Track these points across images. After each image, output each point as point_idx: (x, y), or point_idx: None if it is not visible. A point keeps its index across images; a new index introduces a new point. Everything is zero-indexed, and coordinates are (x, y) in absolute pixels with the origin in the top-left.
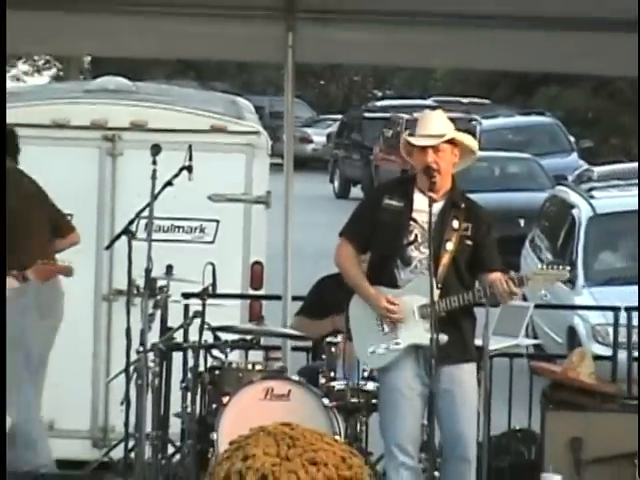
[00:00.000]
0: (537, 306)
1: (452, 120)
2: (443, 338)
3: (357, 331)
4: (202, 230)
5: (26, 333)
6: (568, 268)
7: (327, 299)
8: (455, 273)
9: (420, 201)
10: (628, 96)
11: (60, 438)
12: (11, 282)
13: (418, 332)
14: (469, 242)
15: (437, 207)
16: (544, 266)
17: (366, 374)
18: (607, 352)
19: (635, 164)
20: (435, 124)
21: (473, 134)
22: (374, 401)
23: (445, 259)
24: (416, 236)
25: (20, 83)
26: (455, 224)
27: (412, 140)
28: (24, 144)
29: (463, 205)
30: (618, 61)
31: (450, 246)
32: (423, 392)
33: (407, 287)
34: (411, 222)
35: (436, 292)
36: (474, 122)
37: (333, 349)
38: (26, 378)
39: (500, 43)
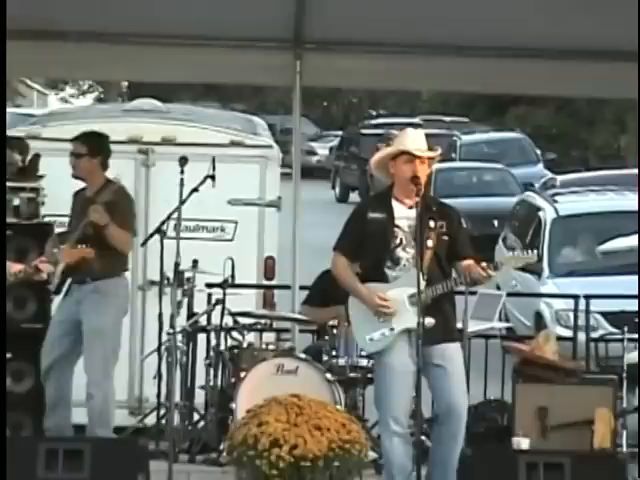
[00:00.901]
0: (509, 294)
1: (436, 136)
2: (430, 321)
3: (356, 320)
4: (222, 230)
5: (118, 328)
6: (535, 252)
7: (328, 289)
8: (437, 265)
9: (399, 209)
10: (586, 115)
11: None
12: (46, 266)
13: (409, 318)
14: (445, 237)
15: (415, 211)
16: (514, 252)
17: (363, 353)
18: (568, 334)
19: (592, 173)
20: (422, 141)
21: (454, 147)
22: (369, 376)
23: (428, 254)
24: (401, 240)
25: (67, 104)
26: (432, 224)
27: (412, 150)
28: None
29: (435, 207)
30: (578, 84)
31: (430, 243)
32: (414, 370)
33: (396, 281)
34: (395, 229)
35: (422, 283)
36: (455, 137)
37: (335, 331)
38: (112, 364)
39: (477, 70)
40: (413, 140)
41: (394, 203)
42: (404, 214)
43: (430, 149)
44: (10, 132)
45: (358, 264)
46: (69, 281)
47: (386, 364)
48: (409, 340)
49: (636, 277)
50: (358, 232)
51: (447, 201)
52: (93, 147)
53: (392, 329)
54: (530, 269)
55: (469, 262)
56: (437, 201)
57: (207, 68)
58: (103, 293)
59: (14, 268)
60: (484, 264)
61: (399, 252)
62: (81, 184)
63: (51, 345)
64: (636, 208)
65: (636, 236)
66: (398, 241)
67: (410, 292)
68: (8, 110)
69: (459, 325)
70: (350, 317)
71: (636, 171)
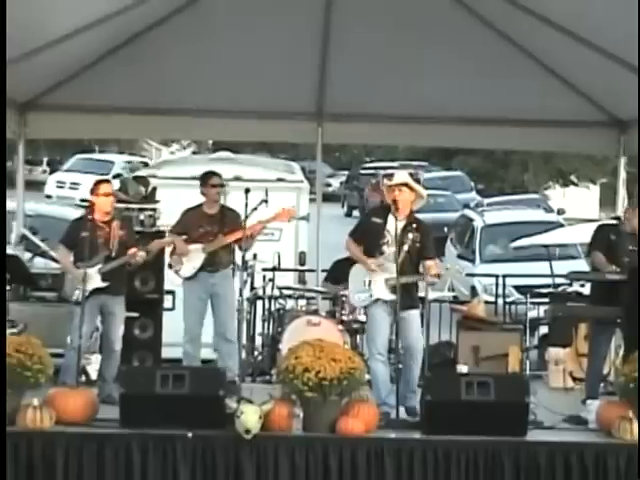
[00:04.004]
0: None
1: (410, 174)
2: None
3: (352, 286)
4: (272, 234)
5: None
6: (458, 267)
7: (339, 272)
8: (409, 262)
9: (391, 221)
10: (502, 160)
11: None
12: (142, 255)
13: (383, 291)
14: (418, 245)
15: (401, 224)
16: (449, 265)
17: (361, 311)
18: (492, 299)
19: (506, 197)
20: (399, 177)
21: (418, 181)
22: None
23: (402, 254)
24: (388, 240)
25: (173, 155)
26: (410, 235)
27: (389, 183)
28: (175, 187)
29: (415, 224)
30: (497, 141)
31: (406, 247)
32: (389, 319)
33: (380, 268)
34: (385, 232)
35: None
36: (419, 175)
37: (343, 299)
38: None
39: (434, 133)
40: (396, 177)
41: (389, 216)
42: (394, 224)
43: (417, 182)
44: (138, 173)
45: (361, 249)
46: (195, 269)
47: (372, 315)
48: (386, 303)
49: (536, 263)
50: (363, 229)
51: (417, 215)
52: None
53: (371, 295)
54: (467, 258)
55: (431, 263)
56: (417, 219)
57: (261, 132)
58: (228, 278)
59: (131, 251)
60: (436, 271)
61: (385, 248)
62: (191, 203)
63: (194, 310)
64: (534, 219)
65: (536, 236)
66: (385, 240)
67: (387, 277)
68: (136, 159)
69: (422, 294)
70: (349, 283)
71: (534, 196)
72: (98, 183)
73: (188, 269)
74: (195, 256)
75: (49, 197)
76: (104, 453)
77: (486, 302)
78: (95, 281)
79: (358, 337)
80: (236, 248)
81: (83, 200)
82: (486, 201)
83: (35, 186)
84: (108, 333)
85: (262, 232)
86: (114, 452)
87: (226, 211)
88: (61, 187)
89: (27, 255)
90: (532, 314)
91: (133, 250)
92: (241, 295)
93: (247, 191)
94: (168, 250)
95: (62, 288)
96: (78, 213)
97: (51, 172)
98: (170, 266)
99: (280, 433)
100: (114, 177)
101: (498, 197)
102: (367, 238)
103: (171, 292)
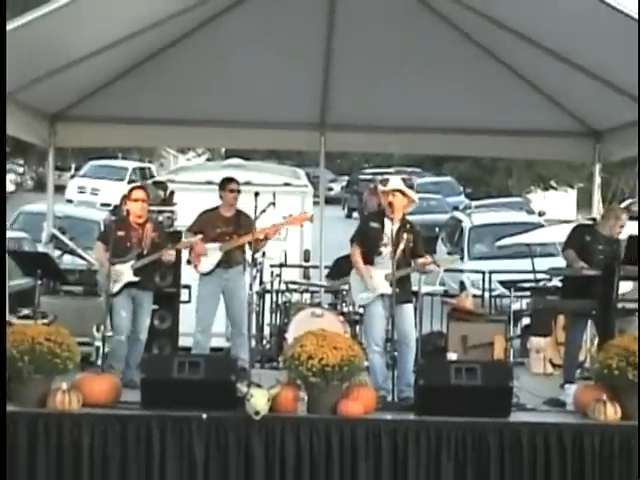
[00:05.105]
0: (445, 270)
1: (403, 180)
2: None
3: (353, 286)
4: (280, 233)
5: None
6: (458, 256)
7: (340, 269)
8: (403, 259)
9: (388, 224)
10: (489, 166)
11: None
12: (172, 253)
13: (384, 287)
14: (411, 244)
15: (396, 226)
16: (445, 255)
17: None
18: (479, 293)
19: (492, 200)
20: (393, 183)
21: (412, 186)
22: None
23: (399, 252)
24: (385, 242)
25: (190, 162)
26: (404, 236)
27: (384, 188)
28: (191, 191)
29: (408, 226)
30: (485, 149)
31: (402, 246)
32: (386, 314)
33: (380, 265)
34: (383, 235)
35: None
36: (413, 180)
37: (345, 293)
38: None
39: (426, 142)
40: (390, 183)
41: (386, 219)
42: (390, 226)
43: (410, 187)
44: (157, 178)
45: (361, 251)
46: (212, 265)
47: (370, 311)
48: (382, 300)
49: (519, 260)
50: (363, 233)
51: (410, 217)
52: (239, 187)
53: (374, 292)
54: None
55: (423, 260)
56: (409, 221)
57: (269, 140)
58: (241, 274)
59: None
60: (430, 261)
61: (383, 248)
62: (205, 205)
63: (208, 302)
64: (517, 220)
65: (519, 236)
66: (383, 242)
67: (386, 273)
68: (147, 165)
69: (415, 288)
70: (350, 284)
71: (518, 199)
72: (132, 189)
73: (206, 265)
74: (212, 254)
75: (70, 202)
76: (127, 433)
77: (474, 296)
78: (128, 276)
79: (357, 327)
80: (247, 247)
81: (103, 204)
82: (474, 204)
83: (64, 190)
84: (135, 323)
85: (274, 235)
86: (136, 432)
87: (241, 215)
88: (82, 192)
89: (57, 253)
90: (515, 306)
91: (165, 250)
92: (251, 289)
93: (256, 194)
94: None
95: (96, 284)
96: (102, 215)
97: (70, 177)
98: (189, 262)
99: (286, 414)
100: (128, 183)
101: (485, 200)
102: (367, 241)
103: (187, 286)
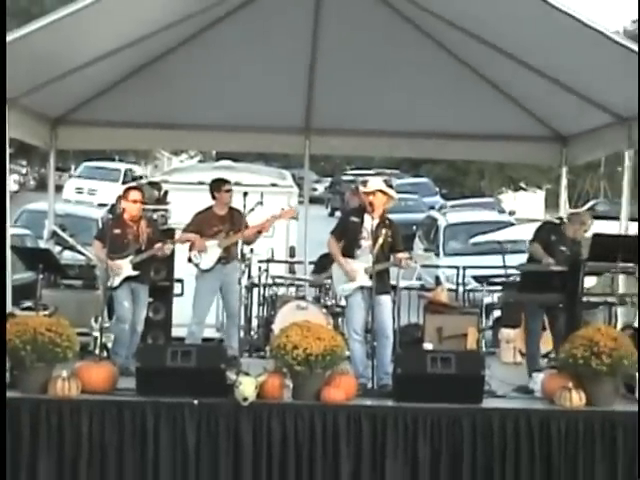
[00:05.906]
0: (421, 266)
1: (384, 181)
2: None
3: (335, 278)
4: (268, 230)
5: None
6: (432, 254)
7: (323, 264)
8: (382, 253)
9: (367, 220)
10: (463, 168)
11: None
12: (169, 247)
13: (363, 279)
14: (390, 239)
15: (375, 222)
16: (422, 252)
17: (342, 298)
18: (453, 287)
19: (466, 200)
20: (374, 183)
21: (391, 186)
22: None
23: (377, 246)
24: (364, 236)
25: (182, 163)
26: (383, 231)
27: (365, 189)
28: (184, 191)
29: (387, 222)
30: (458, 153)
31: (380, 241)
32: (366, 305)
33: (360, 258)
34: (362, 229)
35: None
36: (392, 180)
37: (327, 287)
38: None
39: (405, 145)
40: (370, 184)
41: (365, 215)
42: (369, 222)
43: (390, 187)
44: (152, 179)
45: (342, 244)
46: (212, 262)
47: (351, 302)
48: (362, 292)
49: (491, 256)
50: (343, 227)
51: (390, 215)
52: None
53: (353, 284)
54: (433, 252)
55: (401, 255)
56: (388, 218)
57: (258, 144)
58: (236, 269)
59: (159, 245)
60: (407, 256)
61: (362, 242)
62: (197, 205)
63: (206, 297)
64: (489, 219)
65: (491, 234)
66: (362, 236)
67: (365, 266)
68: (136, 167)
69: (394, 282)
70: (332, 276)
71: (489, 199)
72: (128, 190)
73: (207, 262)
74: (212, 251)
75: (68, 201)
76: (123, 417)
77: (448, 290)
78: (127, 270)
79: (339, 319)
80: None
81: (100, 204)
82: (449, 204)
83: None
84: (133, 315)
85: (269, 228)
86: (131, 417)
87: (234, 212)
88: (80, 193)
89: (57, 248)
90: (487, 300)
91: (160, 244)
92: (240, 283)
93: (245, 194)
94: (183, 246)
95: (94, 278)
96: (100, 213)
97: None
98: (190, 260)
99: (273, 401)
100: (122, 183)
101: (459, 200)
102: (347, 235)
103: (180, 280)
